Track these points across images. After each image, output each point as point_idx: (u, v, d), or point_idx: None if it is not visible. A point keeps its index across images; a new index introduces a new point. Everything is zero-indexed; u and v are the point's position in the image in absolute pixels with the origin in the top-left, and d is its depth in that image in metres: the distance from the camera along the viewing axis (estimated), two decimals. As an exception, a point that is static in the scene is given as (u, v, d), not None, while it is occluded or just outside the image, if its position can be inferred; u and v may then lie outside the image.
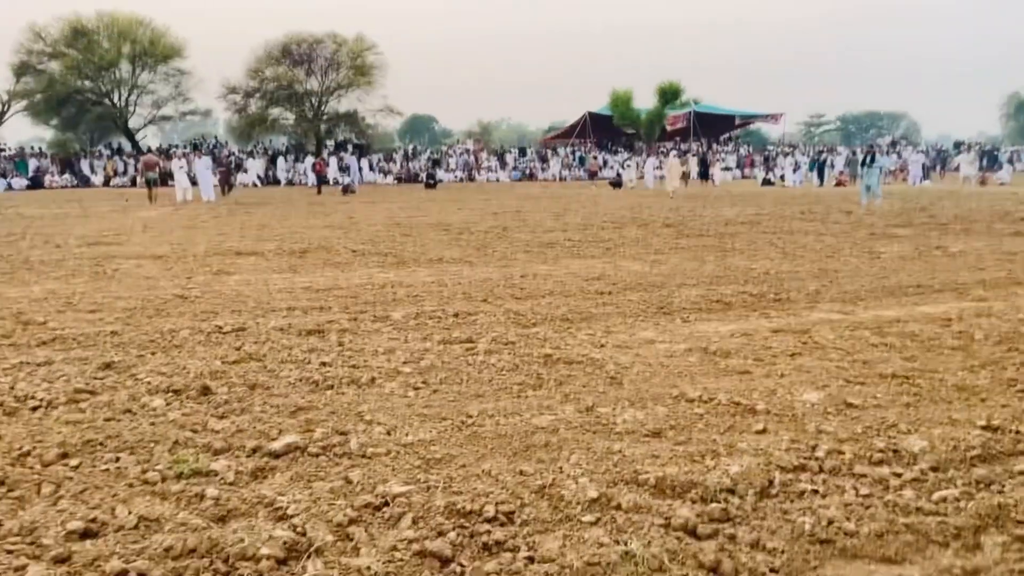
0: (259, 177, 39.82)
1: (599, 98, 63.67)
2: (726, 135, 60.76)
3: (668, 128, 54.43)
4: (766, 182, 36.38)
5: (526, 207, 19.10)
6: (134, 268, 9.11)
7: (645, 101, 56.02)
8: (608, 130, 56.84)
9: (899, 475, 3.17)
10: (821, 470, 3.22)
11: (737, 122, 58.95)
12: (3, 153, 40.95)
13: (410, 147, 58.98)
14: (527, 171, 47.51)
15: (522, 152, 53.14)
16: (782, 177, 37.46)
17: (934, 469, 3.23)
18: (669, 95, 54.72)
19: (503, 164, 48.13)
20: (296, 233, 12.54)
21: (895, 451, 3.40)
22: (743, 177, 48.52)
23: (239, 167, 39.49)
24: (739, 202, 21.01)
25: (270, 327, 5.96)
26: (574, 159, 50.60)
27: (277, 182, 40.88)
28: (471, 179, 45.07)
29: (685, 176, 28.24)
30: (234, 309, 6.75)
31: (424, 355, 5.10)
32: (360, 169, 39.95)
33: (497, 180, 45.43)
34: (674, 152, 35.94)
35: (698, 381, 4.51)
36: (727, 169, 48.59)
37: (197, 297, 7.31)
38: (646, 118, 54.82)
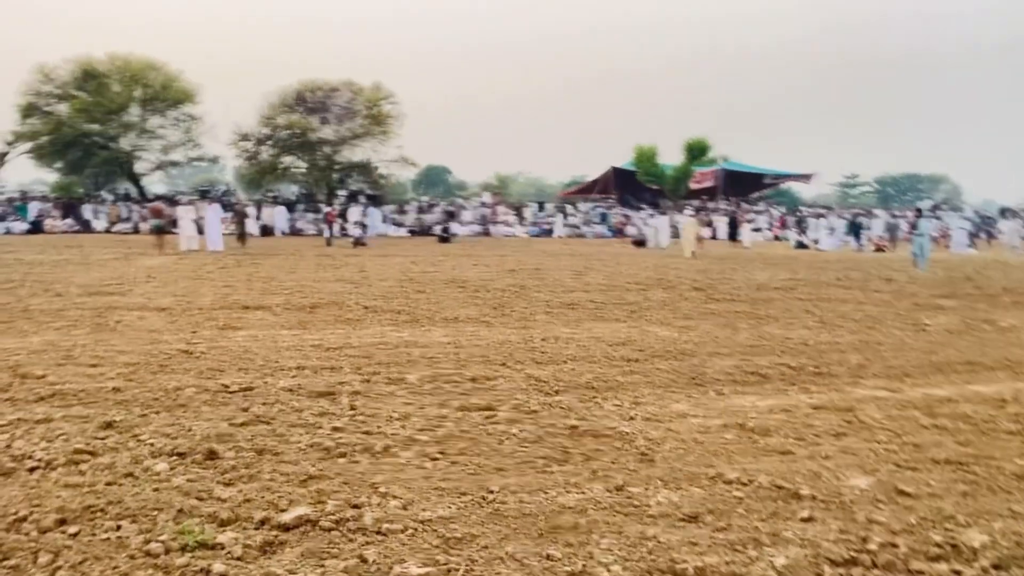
0: (263, 226, 40.51)
1: (623, 153, 64.63)
2: (756, 194, 61.21)
3: (694, 186, 54.97)
4: (799, 245, 36.44)
5: (545, 264, 19.23)
6: (137, 320, 9.20)
7: (671, 157, 56.81)
8: (632, 186, 57.41)
9: (959, 573, 3.09)
10: (875, 565, 3.15)
11: (767, 181, 59.38)
12: (3, 195, 41.94)
13: (424, 199, 59.82)
14: (546, 227, 47.94)
15: (541, 206, 53.35)
16: (816, 240, 37.53)
17: (996, 567, 3.15)
18: (696, 151, 55.43)
19: (521, 219, 48.42)
20: (305, 287, 12.67)
21: (953, 546, 3.32)
22: (775, 239, 48.70)
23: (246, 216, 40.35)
24: (771, 265, 21.03)
25: (279, 387, 5.98)
26: (596, 215, 51.07)
27: (291, 232, 41.53)
28: (487, 233, 45.14)
29: (700, 238, 28.43)
30: (241, 367, 6.78)
31: (441, 422, 5.09)
32: (366, 221, 40.93)
33: (514, 235, 45.70)
34: (688, 211, 36.18)
35: (736, 460, 4.46)
36: (757, 230, 48.82)
37: (203, 353, 7.35)
38: (672, 175, 55.43)
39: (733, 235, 36.12)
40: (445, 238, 35.10)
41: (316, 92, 44.25)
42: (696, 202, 56.62)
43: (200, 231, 25.12)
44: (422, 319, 9.61)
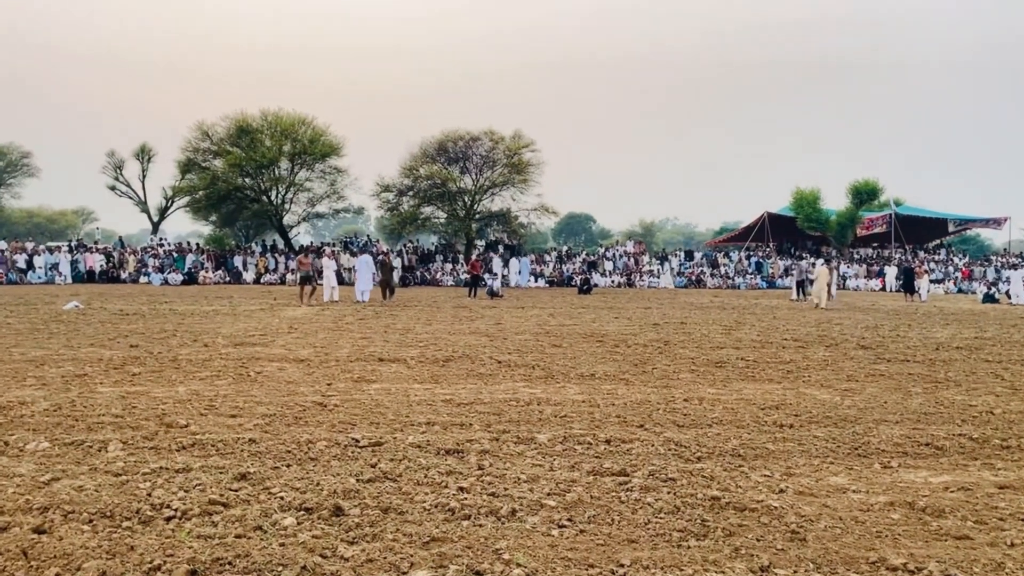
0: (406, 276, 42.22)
1: (778, 198, 62.54)
2: (935, 242, 57.50)
3: (861, 232, 52.21)
4: (988, 298, 33.70)
5: (692, 318, 18.87)
6: (276, 371, 9.76)
7: (835, 202, 54.45)
8: (790, 233, 55.18)
9: None
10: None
11: (951, 228, 55.61)
12: (163, 247, 46.05)
13: (564, 248, 60.40)
14: (694, 277, 46.75)
15: (688, 255, 52.44)
16: (1008, 293, 34.62)
17: None
18: (864, 195, 52.74)
19: (666, 268, 47.83)
20: (440, 339, 13.06)
21: None
22: (958, 291, 45.30)
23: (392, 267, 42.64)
24: (953, 322, 19.62)
25: (408, 443, 6.15)
26: (750, 264, 49.61)
27: (425, 281, 42.95)
28: (630, 284, 45.04)
29: (830, 286, 27.06)
30: (373, 420, 7.02)
31: (571, 487, 5.05)
32: (505, 271, 41.90)
33: (659, 286, 44.78)
34: (820, 260, 34.32)
35: (903, 544, 4.15)
36: (937, 281, 45.78)
37: (336, 406, 7.68)
38: (836, 220, 52.89)
39: (908, 287, 33.95)
40: (585, 290, 35.19)
41: (457, 142, 46.20)
42: (867, 250, 53.86)
43: (342, 281, 26.76)
44: (557, 375, 9.63)
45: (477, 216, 47.26)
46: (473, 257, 38.97)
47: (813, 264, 34.94)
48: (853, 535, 4.29)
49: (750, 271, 48.60)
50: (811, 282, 30.60)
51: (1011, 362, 11.64)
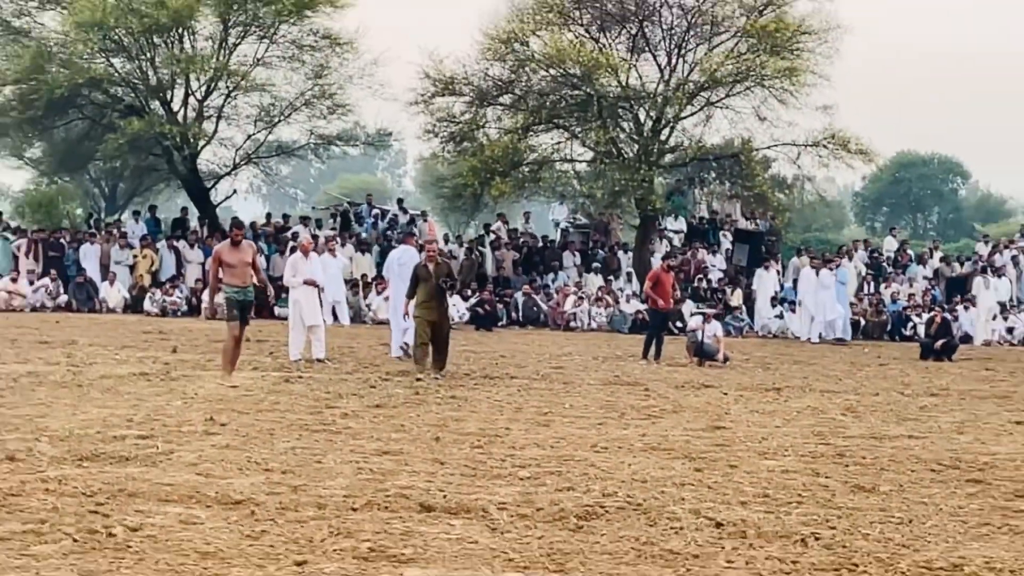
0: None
1: None
2: None
3: None
4: None
5: None
6: (177, 528, 5.07)
7: None
8: None
9: None
10: None
11: None
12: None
13: (890, 244, 28.23)
14: None
15: None
16: None
17: None
18: None
19: None
20: (572, 460, 7.27)
21: None
22: None
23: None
24: None
25: None
26: None
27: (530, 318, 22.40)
28: None
29: None
30: None
31: None
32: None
33: None
34: None
35: None
36: None
37: None
38: None
39: None
40: (941, 348, 17.99)
41: None
42: None
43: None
44: (866, 564, 4.79)
45: (669, 159, 24.54)
46: (658, 264, 17.96)
47: None
48: None
49: None
50: None
51: None
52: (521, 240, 25.02)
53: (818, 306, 20.78)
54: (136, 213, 26.44)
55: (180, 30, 23.21)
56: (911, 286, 24.31)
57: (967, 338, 20.74)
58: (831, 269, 21.23)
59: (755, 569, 4.67)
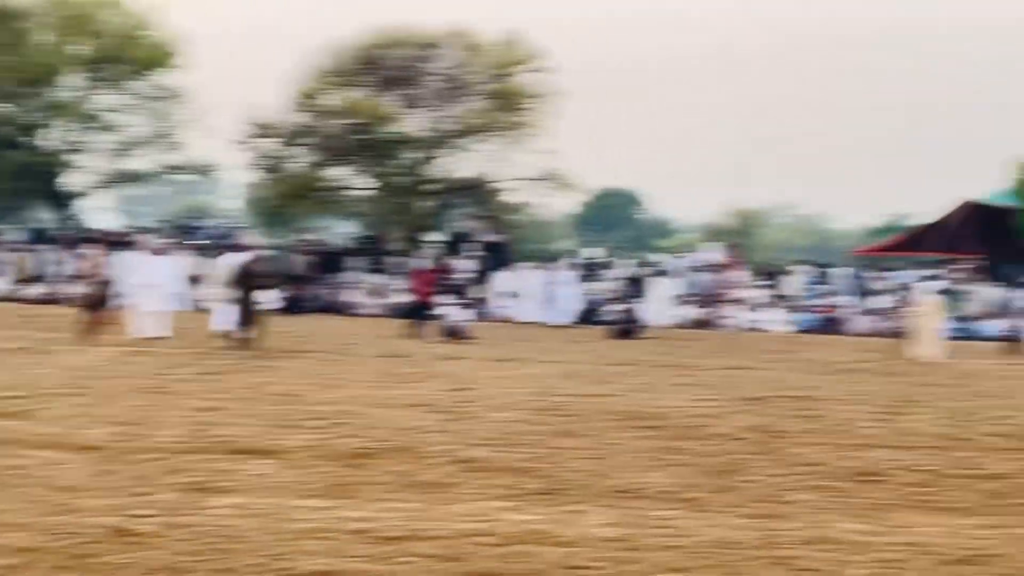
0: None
1: (986, 178, 40.59)
2: None
3: None
4: None
5: (822, 388, 13.58)
6: (40, 467, 6.63)
7: None
8: (1007, 238, 35.51)
9: None
10: None
11: None
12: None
13: (595, 252, 36.83)
14: (831, 313, 30.86)
15: (821, 274, 34.44)
16: None
17: None
18: None
19: (778, 296, 31.96)
20: (354, 415, 9.40)
21: None
22: None
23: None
24: None
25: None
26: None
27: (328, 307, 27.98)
28: (710, 323, 29.74)
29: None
30: (219, 569, 4.72)
31: None
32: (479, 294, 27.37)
33: (766, 328, 29.51)
34: (920, 285, 24.81)
35: None
36: None
37: (153, 537, 5.13)
38: None
39: None
40: (627, 330, 24.11)
41: (398, 51, 30.59)
42: None
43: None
44: (569, 489, 6.72)
45: (430, 188, 31.69)
46: (418, 264, 25.42)
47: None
48: None
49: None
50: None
51: None
52: (320, 247, 31.21)
53: (548, 298, 28.42)
54: (14, 224, 32.42)
55: (44, 82, 30.42)
56: (609, 284, 31.15)
57: (647, 324, 26.50)
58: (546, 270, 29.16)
59: (488, 495, 6.26)
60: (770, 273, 34.46)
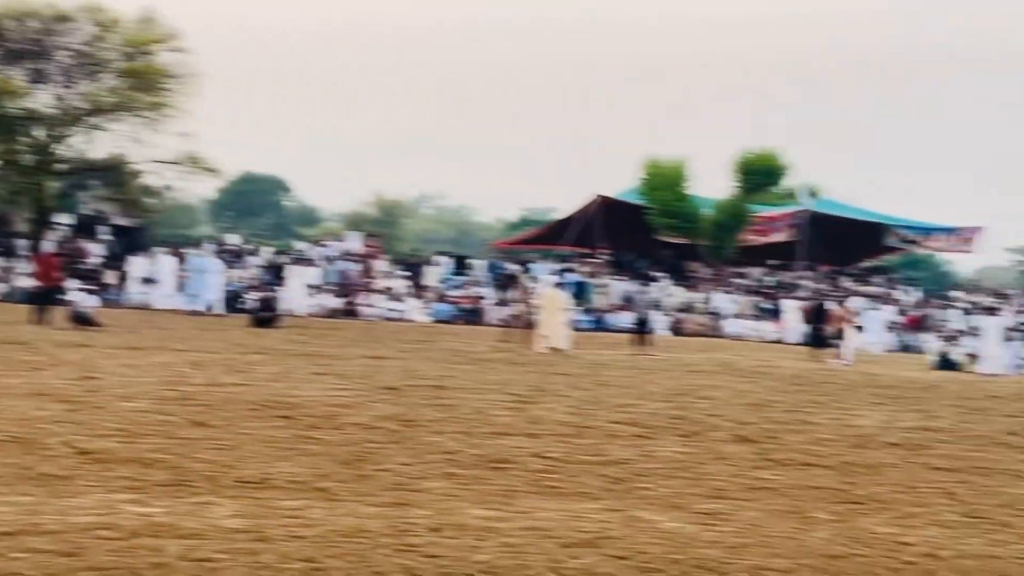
0: None
1: (621, 176, 47.47)
2: (869, 262, 41.67)
3: (754, 239, 37.73)
4: (945, 363, 24.57)
5: (458, 378, 13.69)
6: None
7: (714, 187, 39.72)
8: (637, 233, 38.41)
9: None
10: None
11: (891, 239, 40.49)
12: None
13: (234, 239, 37.14)
14: (470, 304, 32.06)
15: (460, 263, 36.33)
16: (973, 355, 25.25)
17: None
18: (760, 176, 38.17)
19: (419, 286, 32.60)
20: None
21: None
22: (902, 349, 33.31)
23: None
24: (888, 399, 14.90)
25: None
26: (565, 286, 30.22)
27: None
28: (351, 312, 29.94)
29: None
30: None
31: None
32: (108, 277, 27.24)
33: (405, 317, 30.20)
34: (542, 277, 26.77)
35: None
36: (860, 329, 27.50)
37: None
38: (715, 217, 37.22)
39: (818, 336, 23.79)
40: (266, 318, 23.53)
41: (25, 23, 29.31)
42: (759, 271, 38.98)
43: None
44: (196, 480, 6.63)
45: (59, 168, 30.42)
46: (43, 247, 24.83)
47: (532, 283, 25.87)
48: None
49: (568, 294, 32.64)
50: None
51: (970, 471, 8.72)
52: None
53: (185, 285, 27.96)
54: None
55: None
56: (247, 271, 31.52)
57: (286, 312, 26.60)
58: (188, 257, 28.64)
59: (110, 487, 6.09)
60: (411, 263, 35.36)
